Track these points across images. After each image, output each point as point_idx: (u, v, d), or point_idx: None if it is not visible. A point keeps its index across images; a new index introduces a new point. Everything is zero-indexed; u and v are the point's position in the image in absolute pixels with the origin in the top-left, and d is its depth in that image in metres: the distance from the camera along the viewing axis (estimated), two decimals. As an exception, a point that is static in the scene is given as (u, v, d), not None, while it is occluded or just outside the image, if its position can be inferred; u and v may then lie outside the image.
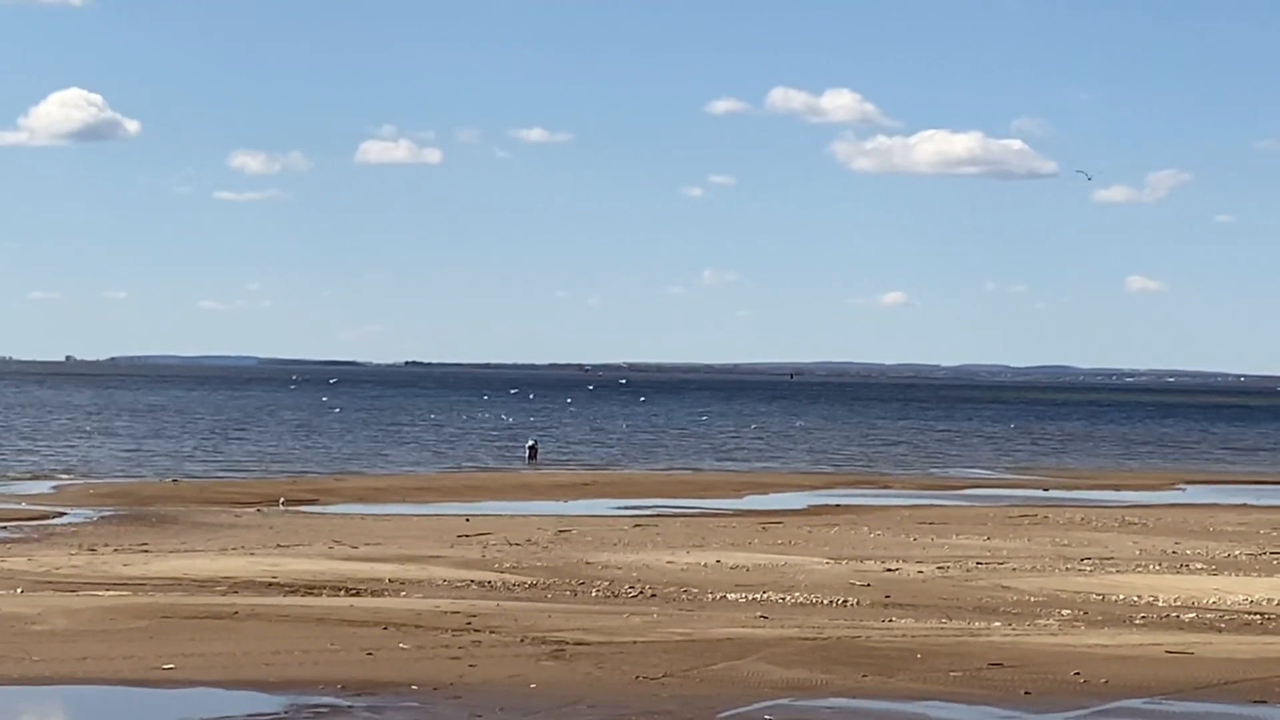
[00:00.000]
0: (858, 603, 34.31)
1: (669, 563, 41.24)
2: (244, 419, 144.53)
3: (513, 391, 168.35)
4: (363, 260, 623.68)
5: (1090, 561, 43.58)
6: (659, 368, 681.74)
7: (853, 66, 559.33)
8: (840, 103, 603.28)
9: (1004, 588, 37.32)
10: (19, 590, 33.58)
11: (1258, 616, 33.54)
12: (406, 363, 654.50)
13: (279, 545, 44.39)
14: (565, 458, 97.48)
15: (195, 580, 36.13)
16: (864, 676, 24.98)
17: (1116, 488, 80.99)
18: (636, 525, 53.00)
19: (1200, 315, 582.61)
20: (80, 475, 74.32)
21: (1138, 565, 42.97)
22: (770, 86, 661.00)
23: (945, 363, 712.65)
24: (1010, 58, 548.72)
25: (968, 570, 40.89)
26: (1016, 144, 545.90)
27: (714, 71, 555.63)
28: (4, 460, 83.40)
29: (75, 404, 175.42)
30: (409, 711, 22.10)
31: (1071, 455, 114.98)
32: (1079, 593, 36.52)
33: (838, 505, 64.69)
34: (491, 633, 28.19)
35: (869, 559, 43.19)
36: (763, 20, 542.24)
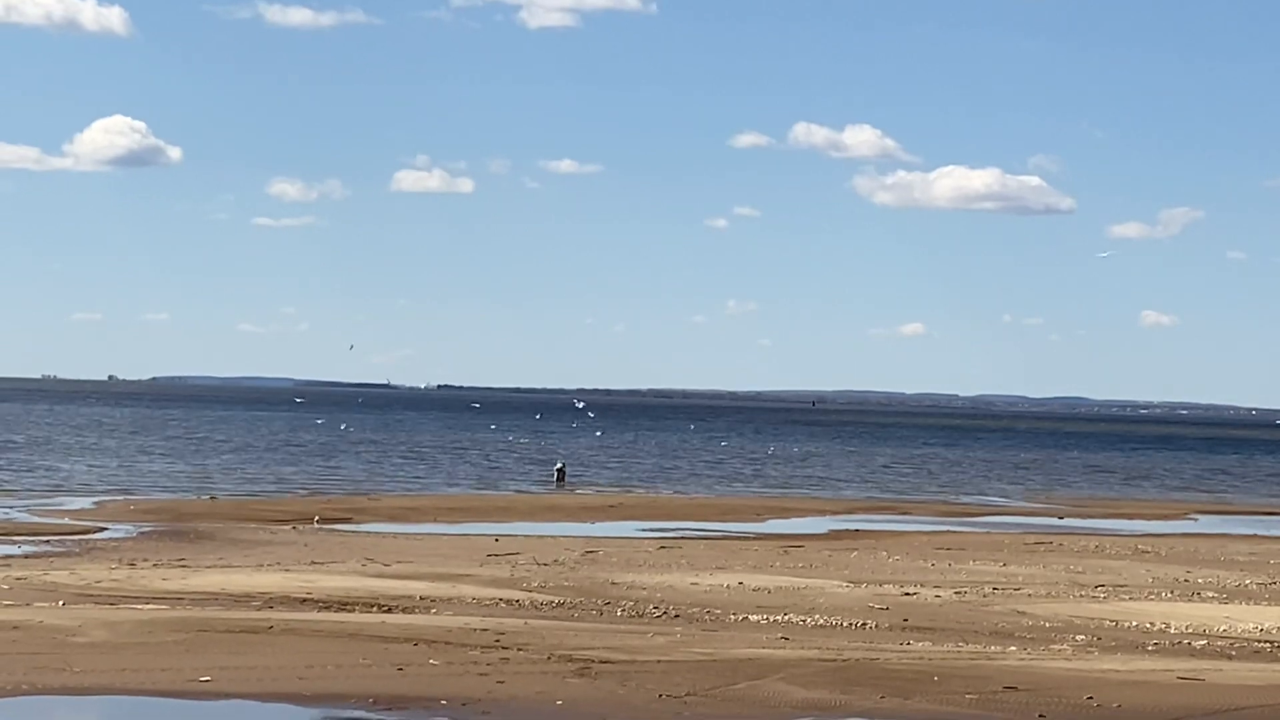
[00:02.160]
0: (876, 626, 34.24)
1: (693, 584, 41.20)
2: (280, 439, 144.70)
3: (538, 417, 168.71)
4: (396, 286, 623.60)
5: (1104, 588, 43.46)
6: (684, 394, 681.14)
7: (874, 103, 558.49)
8: (861, 138, 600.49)
9: (1019, 613, 37.22)
10: (60, 603, 33.64)
11: (1268, 644, 33.42)
12: (438, 386, 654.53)
13: (313, 562, 44.41)
14: (592, 480, 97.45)
15: (232, 595, 36.15)
16: (882, 698, 24.93)
17: (1130, 517, 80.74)
18: (661, 547, 52.97)
19: (1212, 349, 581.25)
20: (121, 492, 74.45)
21: (1150, 593, 42.85)
22: (793, 122, 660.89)
23: (964, 392, 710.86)
24: (1027, 96, 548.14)
25: (984, 595, 40.79)
26: (1034, 180, 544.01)
27: (738, 106, 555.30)
28: (48, 476, 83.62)
29: (117, 422, 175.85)
30: (438, 726, 22.09)
31: (1086, 484, 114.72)
32: (1093, 619, 36.42)
33: (857, 530, 64.61)
34: (519, 650, 28.18)
35: (888, 583, 43.10)
36: (786, 57, 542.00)
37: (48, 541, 49.98)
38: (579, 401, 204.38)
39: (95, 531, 54.20)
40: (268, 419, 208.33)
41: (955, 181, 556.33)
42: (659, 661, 27.42)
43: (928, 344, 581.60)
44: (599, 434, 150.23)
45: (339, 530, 57.79)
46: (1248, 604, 40.89)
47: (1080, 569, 49.03)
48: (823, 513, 75.79)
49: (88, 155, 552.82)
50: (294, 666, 25.89)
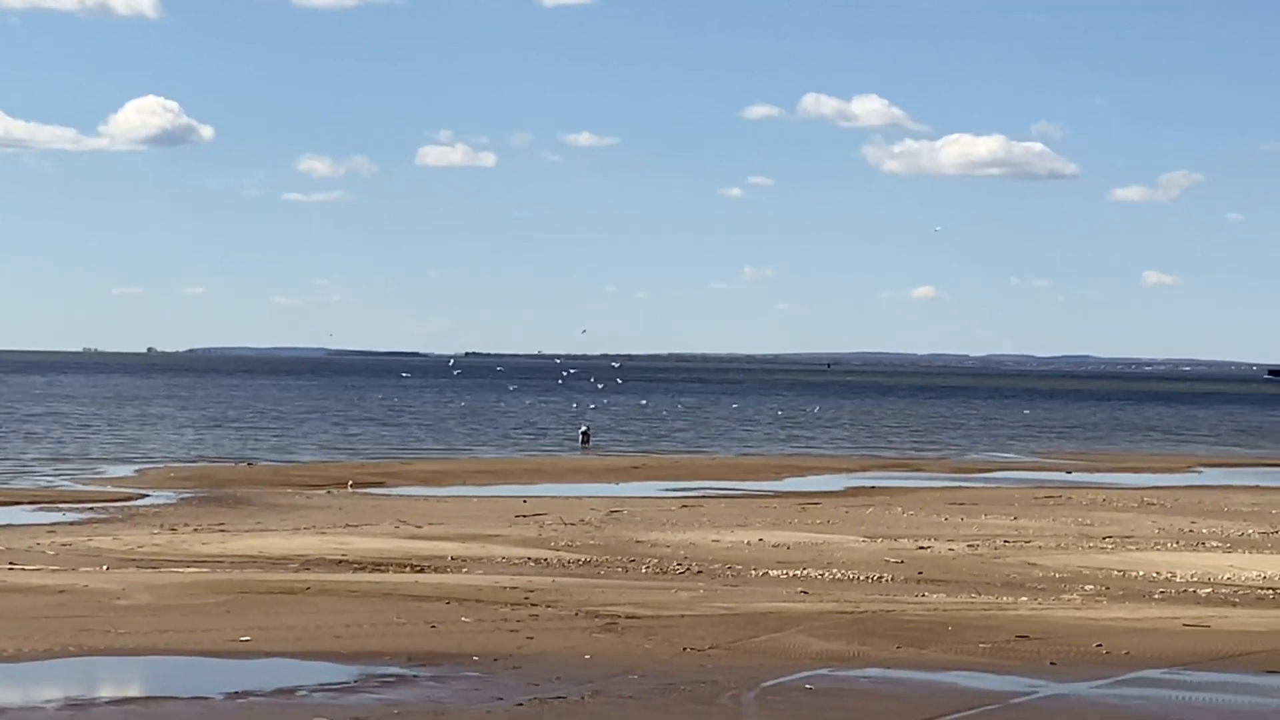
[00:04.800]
0: (892, 579, 34.25)
1: (714, 541, 41.22)
2: (314, 406, 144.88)
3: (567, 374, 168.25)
4: (424, 257, 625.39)
5: (1111, 540, 43.42)
6: (704, 358, 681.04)
7: (881, 74, 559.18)
8: (869, 108, 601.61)
9: (1030, 565, 37.21)
10: (105, 567, 33.72)
11: (1270, 591, 33.39)
12: (466, 353, 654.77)
13: (348, 525, 44.49)
14: (615, 442, 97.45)
15: (270, 558, 36.22)
16: (898, 648, 24.93)
17: (1136, 470, 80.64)
18: (683, 506, 52.97)
19: (1213, 307, 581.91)
20: (161, 459, 74.57)
21: (1156, 543, 42.82)
22: (803, 93, 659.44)
23: (973, 353, 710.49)
24: (1029, 65, 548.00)
25: (996, 548, 40.78)
26: (1037, 146, 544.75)
27: (749, 79, 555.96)
28: (91, 445, 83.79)
29: (157, 393, 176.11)
30: (471, 681, 22.12)
31: (1093, 440, 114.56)
32: (1101, 569, 36.40)
33: (873, 487, 64.56)
34: (548, 607, 28.21)
35: (903, 538, 43.10)
36: (795, 30, 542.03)
37: (91, 508, 50.09)
38: (615, 364, 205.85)
39: (137, 498, 54.29)
40: (303, 388, 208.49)
41: (961, 149, 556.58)
42: (683, 616, 27.43)
43: (938, 306, 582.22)
44: (600, 386, 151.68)
45: (372, 494, 57.85)
46: (1251, 553, 40.84)
47: (1088, 521, 48.99)
48: (838, 470, 75.73)
49: (123, 135, 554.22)
50: (331, 626, 25.94)
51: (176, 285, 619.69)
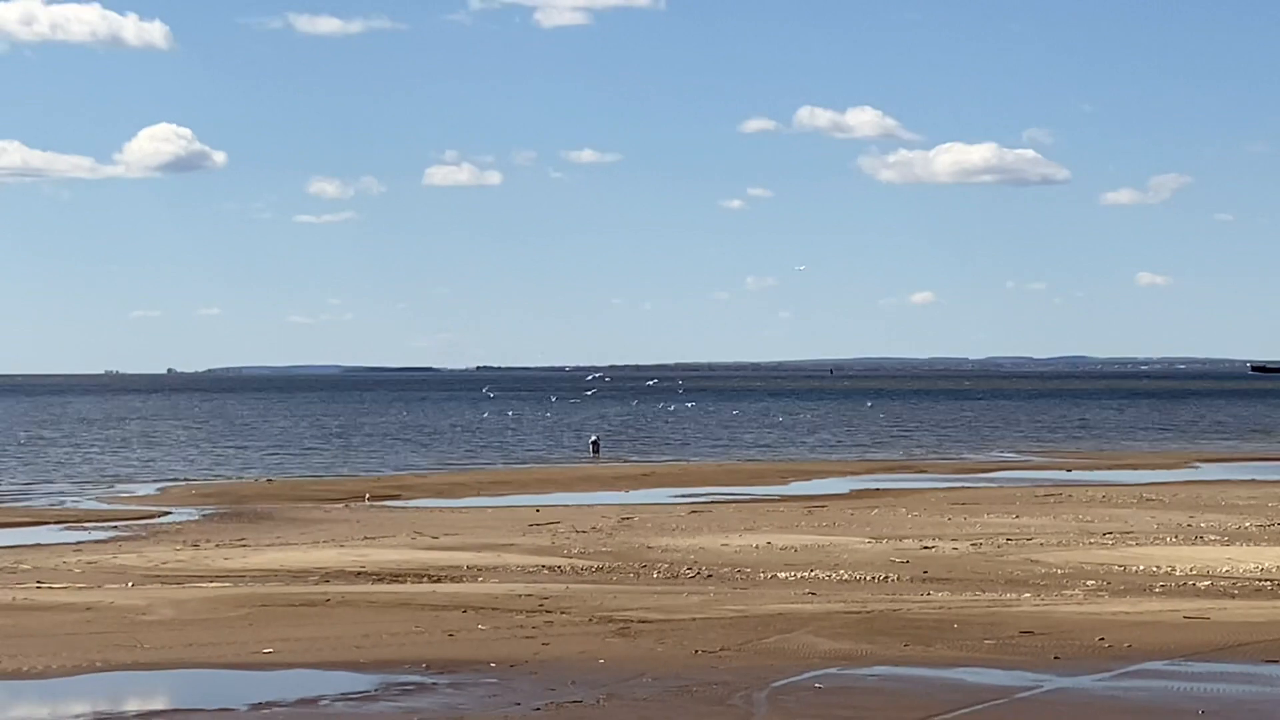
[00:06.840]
0: (898, 578, 34.20)
1: (723, 545, 41.17)
2: (331, 423, 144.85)
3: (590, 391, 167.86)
4: (433, 275, 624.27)
5: (1112, 536, 43.36)
6: (710, 367, 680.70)
7: (874, 85, 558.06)
8: (863, 119, 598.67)
9: (1032, 561, 37.16)
10: (130, 584, 33.70)
11: (1268, 583, 33.33)
12: (477, 367, 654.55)
13: (366, 537, 44.45)
14: (626, 451, 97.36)
15: (290, 571, 36.19)
16: (905, 646, 24.89)
17: (1134, 467, 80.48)
18: (693, 512, 52.92)
19: (1205, 306, 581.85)
20: (182, 477, 74.57)
21: (1156, 538, 42.74)
22: (798, 106, 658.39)
23: (973, 355, 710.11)
24: (1019, 73, 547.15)
25: (999, 546, 40.72)
26: (1029, 153, 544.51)
27: (745, 93, 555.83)
28: (115, 464, 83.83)
29: (177, 412, 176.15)
30: (488, 687, 22.10)
31: (1092, 438, 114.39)
32: (1102, 565, 36.34)
33: (877, 489, 64.48)
34: (562, 613, 28.18)
35: (907, 538, 43.04)
36: (788, 45, 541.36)
37: (116, 527, 50.09)
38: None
39: (160, 516, 54.27)
40: (320, 404, 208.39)
41: (955, 157, 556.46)
42: (694, 619, 27.40)
43: (937, 311, 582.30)
44: (553, 399, 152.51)
45: (389, 506, 57.79)
46: (1248, 545, 40.78)
47: (1089, 518, 48.92)
48: (843, 474, 75.65)
49: (137, 162, 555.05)
50: (351, 636, 25.92)
51: (193, 307, 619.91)
